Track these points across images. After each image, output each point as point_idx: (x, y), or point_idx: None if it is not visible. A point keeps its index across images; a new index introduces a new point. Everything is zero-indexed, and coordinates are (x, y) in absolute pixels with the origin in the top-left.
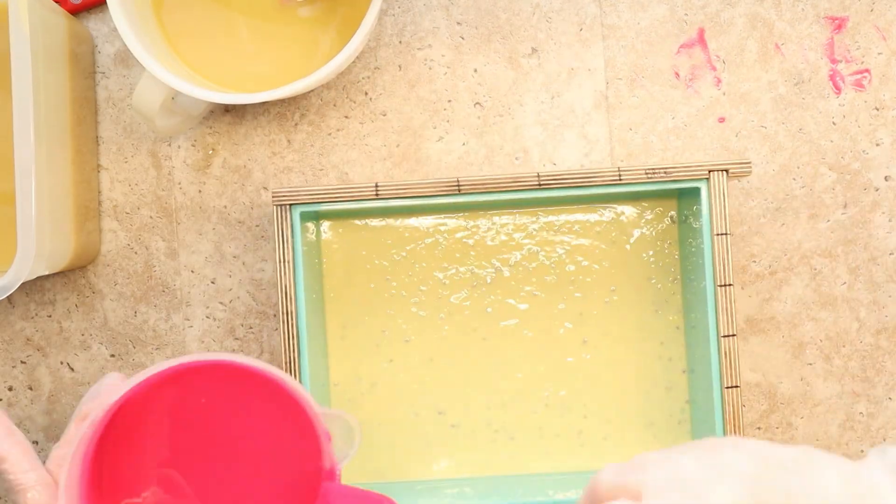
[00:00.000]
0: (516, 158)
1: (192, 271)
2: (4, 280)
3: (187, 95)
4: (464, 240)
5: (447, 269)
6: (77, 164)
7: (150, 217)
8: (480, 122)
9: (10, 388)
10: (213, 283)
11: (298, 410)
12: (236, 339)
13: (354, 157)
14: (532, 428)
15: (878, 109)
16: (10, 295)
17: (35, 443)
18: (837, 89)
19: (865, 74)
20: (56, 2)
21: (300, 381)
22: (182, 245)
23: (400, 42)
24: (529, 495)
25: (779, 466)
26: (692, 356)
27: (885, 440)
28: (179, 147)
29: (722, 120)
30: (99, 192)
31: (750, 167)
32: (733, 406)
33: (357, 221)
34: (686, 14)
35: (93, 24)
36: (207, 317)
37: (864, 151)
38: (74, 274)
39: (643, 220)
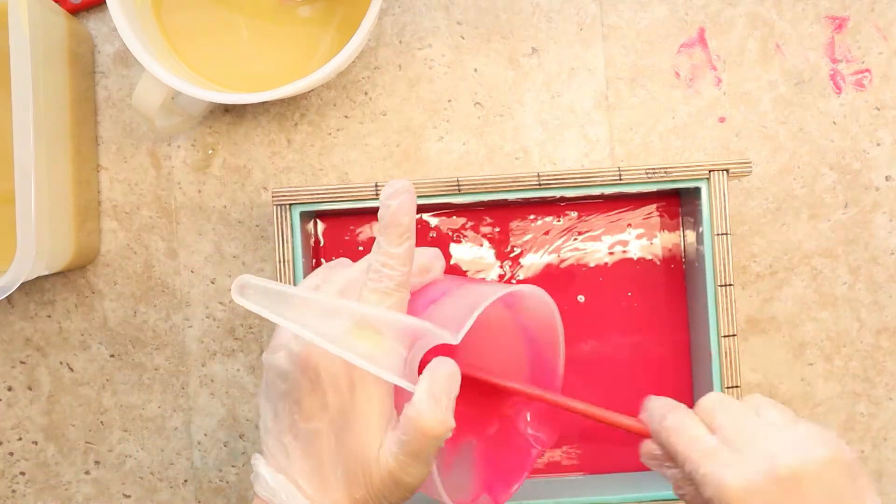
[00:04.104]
0: (516, 158)
1: (192, 271)
2: (4, 280)
3: (187, 95)
4: (464, 240)
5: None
6: (77, 164)
7: (150, 217)
8: (480, 122)
9: (10, 389)
10: (212, 283)
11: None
12: (236, 339)
13: (354, 157)
14: None
15: (878, 109)
16: (10, 295)
17: (35, 443)
18: (838, 89)
19: (866, 74)
20: (56, 2)
21: None
22: (182, 245)
23: (400, 42)
24: (532, 496)
25: None
26: (692, 356)
27: (885, 440)
28: (179, 147)
29: (722, 120)
30: (99, 192)
31: (750, 167)
32: None
33: (357, 221)
34: (686, 14)
35: (93, 24)
36: (207, 317)
37: (864, 151)
38: (74, 274)
39: (643, 220)
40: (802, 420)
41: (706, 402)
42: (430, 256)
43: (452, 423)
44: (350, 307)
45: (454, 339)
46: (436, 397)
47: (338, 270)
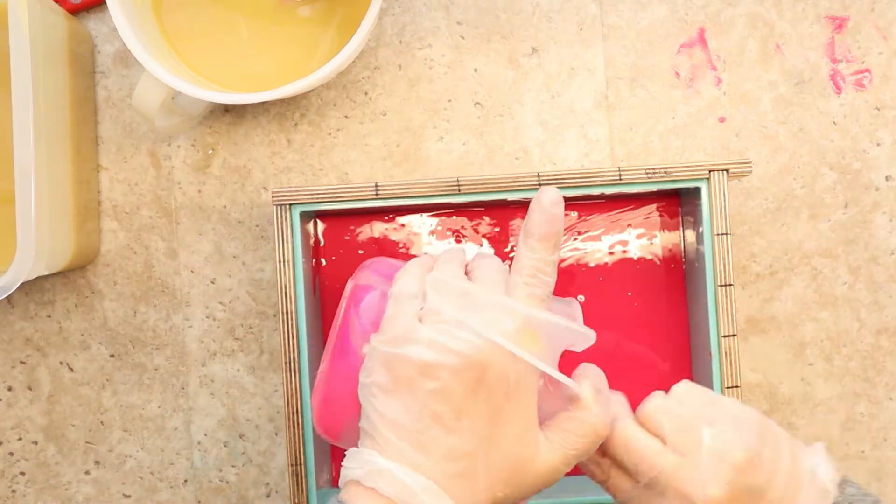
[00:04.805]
0: (516, 158)
1: (192, 271)
2: (4, 280)
3: (187, 95)
4: (464, 241)
5: None
6: (77, 164)
7: (150, 217)
8: (480, 122)
9: (10, 389)
10: (212, 283)
11: None
12: (236, 339)
13: (354, 157)
14: None
15: (878, 109)
16: (10, 295)
17: (34, 443)
18: (838, 89)
19: (866, 74)
20: (56, 2)
21: (299, 381)
22: (182, 245)
23: (400, 42)
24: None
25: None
26: (692, 356)
27: (885, 440)
28: (179, 147)
29: (722, 120)
30: (99, 192)
31: (750, 167)
32: None
33: (357, 221)
34: (686, 14)
35: (93, 24)
36: (207, 317)
37: (864, 151)
38: (74, 274)
39: (643, 220)
40: (723, 400)
41: (649, 410)
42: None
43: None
44: (526, 311)
45: (593, 339)
46: (604, 402)
47: (452, 272)
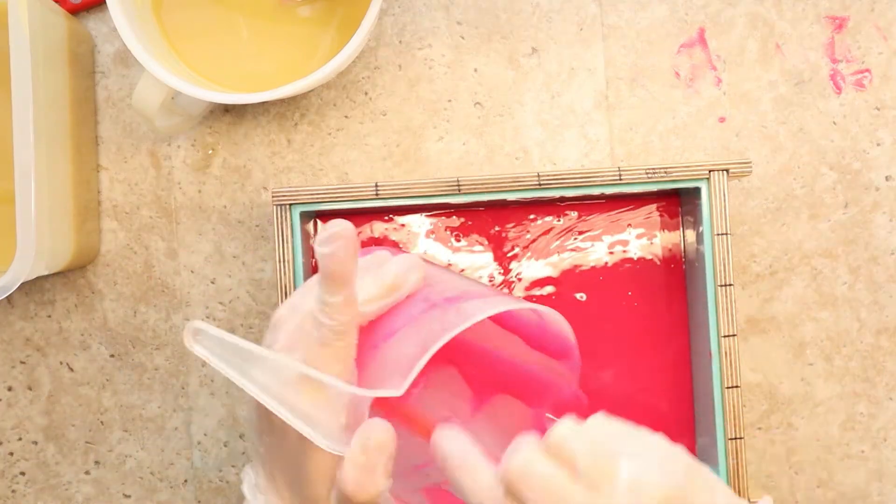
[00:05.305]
0: (516, 158)
1: (192, 271)
2: (4, 280)
3: (187, 95)
4: (464, 241)
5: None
6: (77, 164)
7: (150, 217)
8: (480, 122)
9: (10, 389)
10: (212, 283)
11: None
12: None
13: (354, 156)
14: None
15: (878, 109)
16: (10, 295)
17: (34, 443)
18: (838, 89)
19: (866, 74)
20: (56, 2)
21: None
22: (182, 245)
23: (400, 42)
24: None
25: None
26: (692, 356)
27: (885, 440)
28: (179, 147)
29: (722, 120)
30: (99, 192)
31: (750, 167)
32: (733, 406)
33: (357, 221)
34: (686, 14)
35: (93, 23)
36: (207, 317)
37: (864, 151)
38: (74, 274)
39: (643, 220)
40: (645, 434)
41: (556, 438)
42: (401, 272)
43: (382, 488)
44: (291, 365)
45: (397, 392)
46: (364, 467)
47: (304, 296)
